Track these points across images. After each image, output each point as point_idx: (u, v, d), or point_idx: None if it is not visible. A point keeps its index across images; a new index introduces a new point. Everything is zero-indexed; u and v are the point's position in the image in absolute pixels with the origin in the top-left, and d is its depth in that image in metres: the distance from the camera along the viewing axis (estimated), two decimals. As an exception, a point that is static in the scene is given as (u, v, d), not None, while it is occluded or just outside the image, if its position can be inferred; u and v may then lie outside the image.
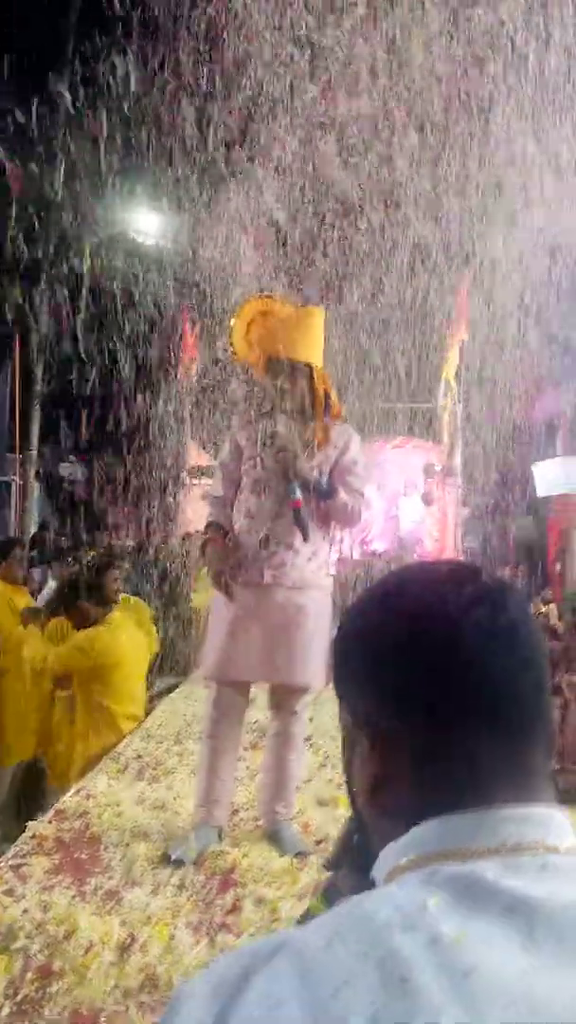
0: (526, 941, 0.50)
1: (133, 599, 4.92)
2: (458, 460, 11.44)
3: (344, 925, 0.53)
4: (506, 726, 0.60)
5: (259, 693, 3.06)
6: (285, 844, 2.64)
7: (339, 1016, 0.47)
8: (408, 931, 0.50)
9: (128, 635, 3.84)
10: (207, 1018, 0.50)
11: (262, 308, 2.86)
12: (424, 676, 0.60)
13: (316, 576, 2.71)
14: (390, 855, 0.60)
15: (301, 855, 2.59)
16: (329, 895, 0.73)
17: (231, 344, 2.92)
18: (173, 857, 2.50)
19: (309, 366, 2.73)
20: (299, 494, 2.61)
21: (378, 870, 0.61)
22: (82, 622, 3.80)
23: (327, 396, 2.77)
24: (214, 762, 2.70)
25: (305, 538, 2.63)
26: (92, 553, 8.04)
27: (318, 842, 2.73)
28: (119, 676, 3.74)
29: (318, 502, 2.66)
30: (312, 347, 2.75)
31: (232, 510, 2.79)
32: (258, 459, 2.73)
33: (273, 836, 2.71)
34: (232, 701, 2.71)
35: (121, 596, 4.83)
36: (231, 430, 2.90)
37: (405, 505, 13.55)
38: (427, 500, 11.64)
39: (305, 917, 0.72)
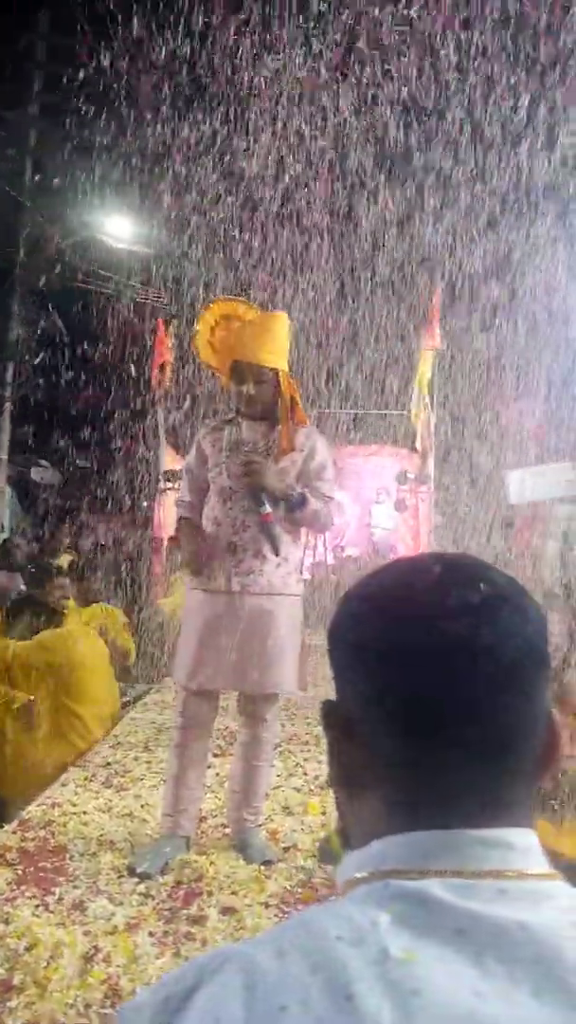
0: (475, 964, 0.49)
1: (105, 606, 4.88)
2: (431, 467, 11.50)
3: (294, 938, 0.52)
4: (480, 746, 0.57)
5: (230, 701, 3.03)
6: (253, 852, 2.62)
7: None
8: (357, 947, 0.50)
9: (88, 643, 3.79)
10: None
11: (226, 311, 2.82)
12: (399, 688, 0.58)
13: (286, 583, 2.68)
14: (351, 864, 0.59)
15: (268, 863, 2.57)
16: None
17: (195, 348, 2.87)
18: (139, 871, 2.45)
19: (275, 371, 2.67)
20: (269, 507, 2.57)
21: (339, 876, 0.61)
22: (38, 631, 3.73)
23: (294, 402, 2.72)
24: (182, 771, 2.66)
25: (276, 552, 2.60)
26: (65, 558, 7.97)
27: (286, 849, 2.72)
28: (79, 681, 3.70)
29: (290, 512, 2.62)
30: (277, 352, 2.69)
31: (200, 516, 2.76)
32: (223, 466, 2.68)
33: (241, 844, 2.68)
34: (201, 709, 2.68)
35: (97, 604, 4.81)
36: (196, 435, 2.84)
37: (378, 512, 13.62)
38: (400, 507, 11.68)
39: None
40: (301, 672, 2.68)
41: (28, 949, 2.05)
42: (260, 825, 2.78)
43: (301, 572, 2.80)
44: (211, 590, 2.65)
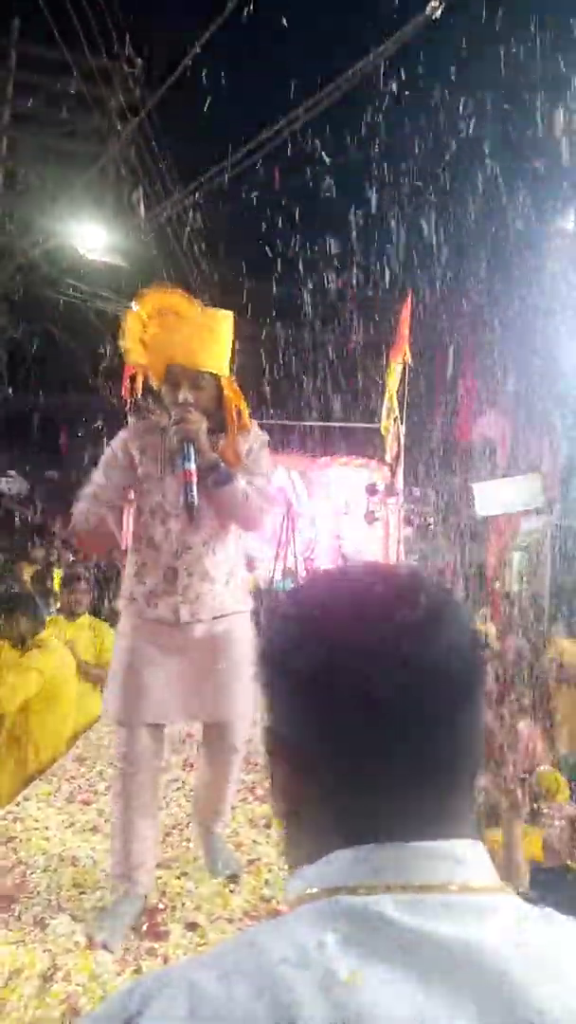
0: (420, 981, 0.50)
1: (93, 619, 4.80)
2: (400, 479, 11.59)
3: (238, 960, 0.52)
4: (430, 760, 0.58)
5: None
6: (219, 864, 2.54)
7: None
8: (302, 969, 0.50)
9: (61, 658, 3.76)
10: None
11: (162, 304, 2.41)
12: (339, 705, 0.57)
13: (235, 600, 2.44)
14: (298, 883, 0.59)
15: (234, 877, 2.52)
16: None
17: (123, 347, 2.42)
18: (98, 941, 2.15)
19: (215, 376, 2.37)
20: (194, 463, 2.27)
21: (288, 892, 0.60)
22: (17, 639, 3.67)
23: (239, 410, 2.42)
24: (129, 823, 2.33)
25: (190, 518, 2.30)
26: (30, 570, 7.88)
27: (251, 862, 2.71)
28: (63, 693, 3.68)
29: (214, 487, 2.31)
30: (219, 354, 2.38)
31: (121, 528, 2.47)
32: (158, 480, 2.38)
33: (207, 854, 2.59)
34: (147, 747, 2.36)
35: (83, 616, 4.73)
36: (121, 434, 2.48)
37: (347, 523, 13.68)
38: (369, 519, 11.75)
39: None
40: None
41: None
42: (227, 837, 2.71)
43: (247, 584, 2.62)
44: (152, 619, 2.37)
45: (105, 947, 2.14)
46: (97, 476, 2.46)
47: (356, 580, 0.64)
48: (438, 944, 0.51)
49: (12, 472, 18.07)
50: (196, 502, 2.27)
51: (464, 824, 0.59)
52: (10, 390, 11.63)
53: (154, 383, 2.44)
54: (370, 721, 0.57)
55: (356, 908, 0.53)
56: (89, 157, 10.58)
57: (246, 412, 2.44)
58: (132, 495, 2.48)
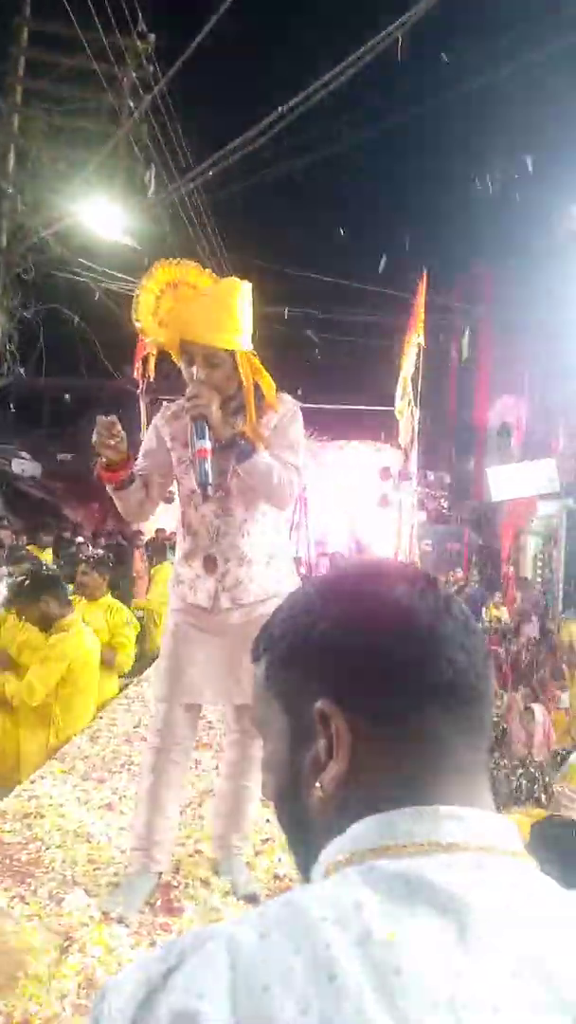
0: (457, 942, 0.50)
1: (112, 602, 4.82)
2: (414, 463, 11.54)
3: (277, 919, 0.52)
4: (459, 729, 0.60)
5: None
6: (237, 885, 2.40)
7: (267, 1011, 0.47)
8: (340, 928, 0.50)
9: (90, 640, 3.78)
10: (131, 1008, 0.50)
11: (174, 277, 2.34)
12: (383, 673, 0.60)
13: (279, 581, 2.37)
14: (331, 850, 0.59)
15: (253, 899, 2.35)
16: None
17: (138, 323, 2.36)
18: (113, 914, 2.18)
19: (231, 352, 2.27)
20: (208, 441, 2.20)
21: (318, 865, 0.60)
22: (38, 623, 3.68)
23: (258, 387, 2.32)
24: (156, 797, 2.35)
25: (204, 497, 2.27)
26: (42, 552, 7.91)
27: (264, 841, 2.71)
28: (85, 678, 3.70)
29: (237, 463, 2.25)
30: (234, 329, 2.26)
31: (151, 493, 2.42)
32: (189, 463, 2.31)
33: (225, 871, 2.47)
34: (181, 725, 2.39)
35: (103, 598, 4.75)
36: (153, 419, 2.46)
37: (360, 507, 13.66)
38: (382, 503, 11.73)
39: None
40: None
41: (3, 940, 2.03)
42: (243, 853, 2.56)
43: (292, 564, 2.55)
44: (193, 604, 2.38)
45: (120, 920, 2.17)
46: (140, 461, 2.44)
47: (377, 563, 0.71)
48: (473, 905, 0.52)
49: (24, 454, 18.12)
50: (209, 480, 2.21)
51: (488, 796, 0.62)
52: (22, 371, 11.61)
53: (174, 358, 2.36)
54: (426, 693, 0.60)
55: (391, 869, 0.54)
56: (102, 136, 10.52)
57: (270, 388, 2.34)
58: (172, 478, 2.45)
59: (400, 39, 5.44)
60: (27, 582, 3.81)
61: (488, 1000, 0.48)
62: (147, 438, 2.46)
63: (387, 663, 0.60)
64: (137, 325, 2.38)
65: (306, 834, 0.64)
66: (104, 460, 2.28)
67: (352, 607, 0.64)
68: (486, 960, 0.49)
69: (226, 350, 2.26)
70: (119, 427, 2.27)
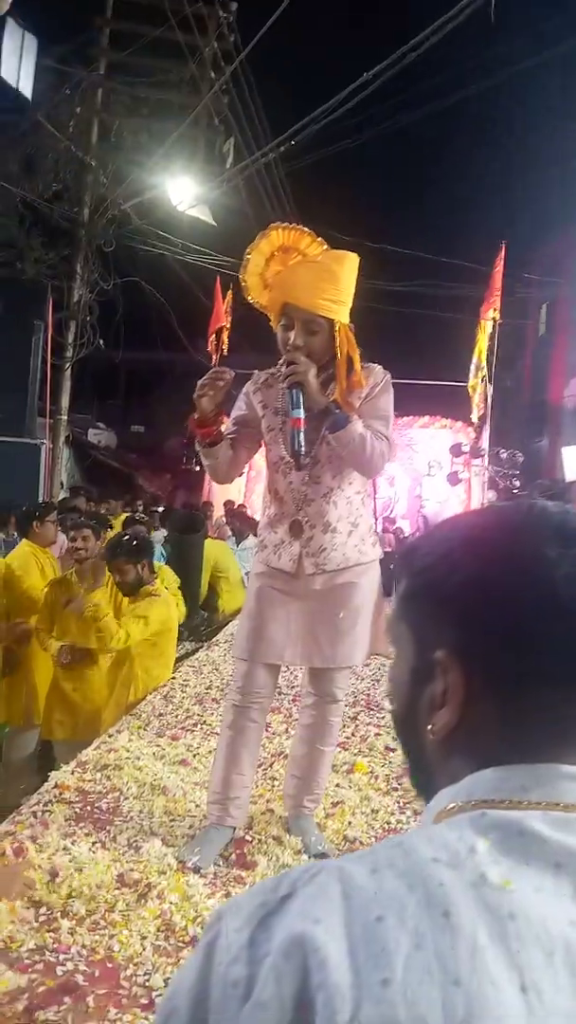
0: (572, 897, 0.50)
1: (164, 567, 4.98)
2: (486, 441, 11.32)
3: (389, 858, 0.53)
4: None
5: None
6: (308, 845, 2.46)
7: (381, 940, 0.48)
8: (454, 869, 0.51)
9: (171, 607, 3.91)
10: (249, 928, 0.51)
11: (286, 242, 2.38)
12: (510, 643, 0.58)
13: (361, 551, 2.42)
14: (443, 798, 0.60)
15: (322, 856, 2.39)
16: None
17: (243, 281, 2.43)
18: (190, 864, 2.28)
19: (330, 320, 2.29)
20: (302, 412, 2.24)
21: (428, 812, 0.61)
22: (127, 586, 3.79)
23: (351, 360, 2.33)
24: (234, 754, 2.44)
25: (297, 466, 2.32)
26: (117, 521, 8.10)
27: (333, 804, 2.76)
28: (166, 642, 3.83)
29: (332, 431, 2.27)
30: (338, 299, 2.29)
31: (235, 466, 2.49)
32: (278, 432, 2.38)
33: (295, 830, 2.53)
34: (262, 685, 2.45)
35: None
36: (245, 388, 2.48)
37: (430, 485, 13.49)
38: (452, 480, 11.56)
39: None
40: (383, 634, 2.44)
41: (84, 882, 2.14)
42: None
43: (374, 532, 2.56)
44: (276, 568, 2.43)
45: (197, 870, 2.25)
46: (230, 426, 2.49)
47: (523, 510, 0.65)
48: None
49: (101, 424, 18.53)
50: (303, 450, 2.25)
51: None
52: (101, 343, 11.84)
53: (272, 322, 2.39)
54: (554, 670, 0.58)
55: (505, 820, 0.54)
56: (183, 107, 10.54)
57: (358, 364, 2.34)
58: (259, 446, 2.51)
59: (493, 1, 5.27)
60: (134, 543, 3.86)
61: None
62: (237, 405, 2.51)
63: (517, 638, 0.58)
64: (243, 284, 2.44)
65: (422, 763, 0.65)
66: (196, 414, 2.34)
67: (491, 570, 0.60)
68: None
69: (326, 318, 2.28)
70: (229, 376, 2.33)
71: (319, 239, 2.39)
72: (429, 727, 0.62)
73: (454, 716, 0.60)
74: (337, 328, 2.30)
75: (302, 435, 2.24)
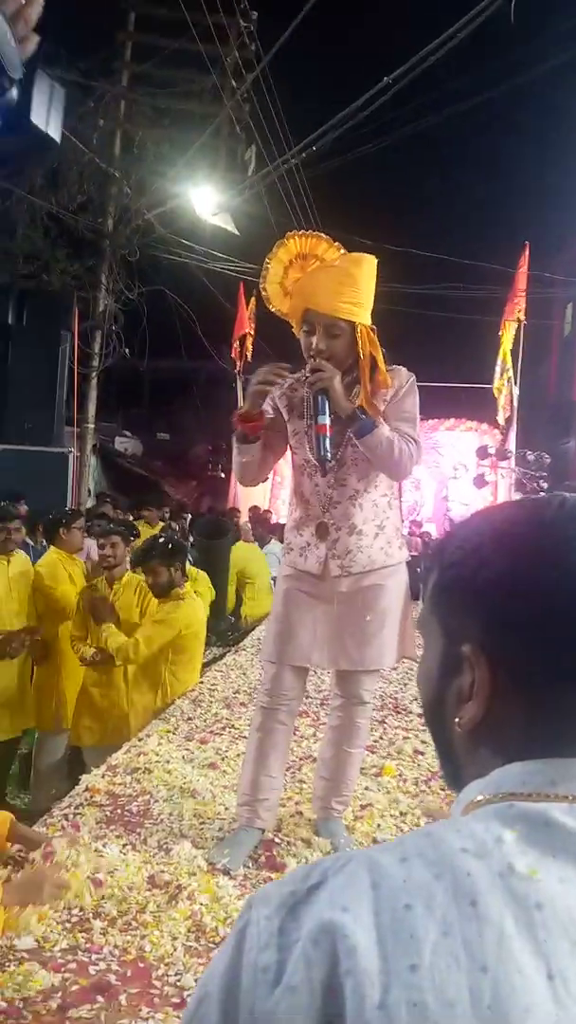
0: None
1: (195, 571, 5.01)
2: (512, 442, 11.24)
3: (417, 847, 0.54)
4: None
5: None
6: (336, 846, 2.47)
7: (409, 928, 0.49)
8: (481, 859, 0.52)
9: (199, 611, 3.94)
10: (279, 916, 0.52)
11: (303, 249, 2.41)
12: (537, 643, 0.59)
13: (388, 553, 2.42)
14: (471, 791, 0.61)
15: None
16: None
17: (264, 291, 2.47)
18: (219, 865, 2.30)
19: (351, 323, 2.31)
20: (328, 419, 2.26)
21: (457, 804, 0.62)
22: (160, 587, 3.82)
23: (375, 361, 2.35)
24: (263, 756, 2.45)
25: (323, 472, 2.35)
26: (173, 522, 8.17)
27: (362, 807, 2.76)
28: (186, 646, 3.86)
29: (359, 437, 2.29)
30: (359, 302, 2.30)
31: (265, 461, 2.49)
32: (303, 436, 2.41)
33: (324, 832, 2.54)
34: (289, 687, 2.46)
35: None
36: (271, 392, 2.48)
37: (456, 488, 13.43)
38: (479, 483, 11.49)
39: None
40: (411, 638, 2.48)
41: (115, 883, 2.16)
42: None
43: (401, 535, 2.56)
44: (303, 570, 2.45)
45: (226, 872, 2.27)
46: None
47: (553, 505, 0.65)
48: None
49: (127, 432, 18.68)
50: (329, 456, 2.27)
51: None
52: (126, 351, 11.95)
53: (295, 329, 2.42)
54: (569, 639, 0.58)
55: (532, 812, 0.55)
56: (204, 117, 10.63)
57: (383, 364, 2.35)
58: (284, 450, 2.53)
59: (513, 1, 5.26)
60: (169, 546, 3.90)
61: None
62: (263, 409, 2.51)
63: (545, 635, 0.58)
64: (263, 293, 2.48)
65: (451, 755, 0.66)
66: (245, 406, 2.38)
67: (520, 566, 0.61)
68: None
69: (347, 321, 2.30)
70: (287, 373, 2.36)
71: (336, 244, 2.42)
72: (456, 719, 0.62)
73: (481, 709, 0.61)
74: (359, 331, 2.32)
75: (328, 441, 2.27)
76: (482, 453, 11.25)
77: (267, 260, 2.45)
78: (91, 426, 12.27)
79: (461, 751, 0.64)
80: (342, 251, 2.41)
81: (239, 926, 0.55)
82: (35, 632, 4.28)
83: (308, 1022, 0.49)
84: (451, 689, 0.64)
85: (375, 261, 2.36)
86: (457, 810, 0.61)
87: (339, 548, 2.39)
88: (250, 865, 2.35)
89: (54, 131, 0.92)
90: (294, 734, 3.38)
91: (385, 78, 6.44)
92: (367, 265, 2.34)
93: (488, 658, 0.60)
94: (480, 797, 0.59)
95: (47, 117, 0.92)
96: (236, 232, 10.96)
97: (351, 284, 2.30)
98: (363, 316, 2.33)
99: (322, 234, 2.44)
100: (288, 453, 2.55)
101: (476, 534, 0.65)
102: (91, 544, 5.04)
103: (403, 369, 2.43)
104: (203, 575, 5.02)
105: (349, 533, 2.39)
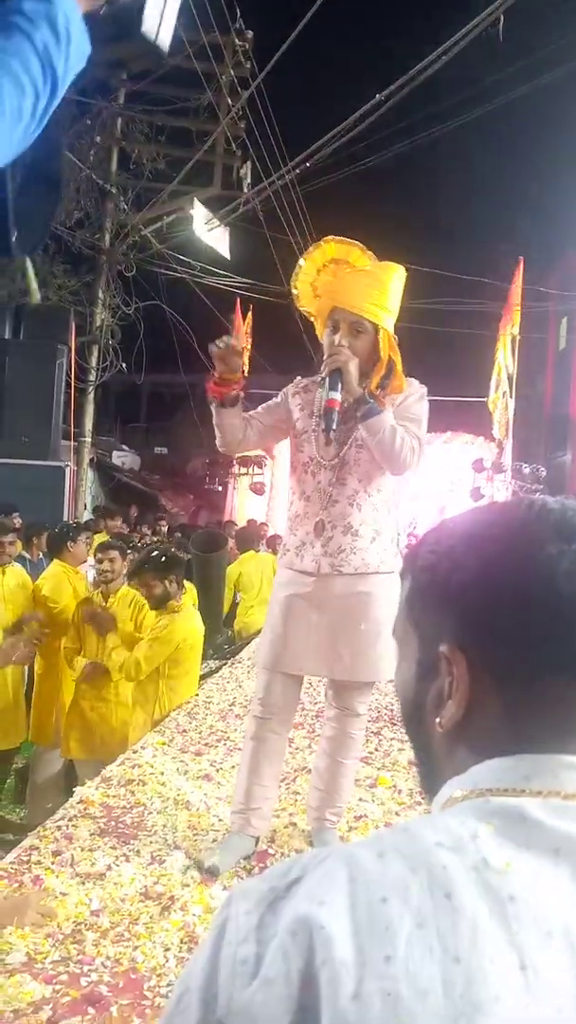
0: (571, 882, 0.52)
1: (190, 585, 5.01)
2: (508, 456, 11.28)
3: (394, 842, 0.55)
4: None
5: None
6: None
7: (384, 920, 0.50)
8: (456, 853, 0.52)
9: (196, 624, 3.94)
10: (258, 911, 0.53)
11: (338, 254, 2.51)
12: (514, 641, 0.59)
13: (382, 559, 2.43)
14: (449, 788, 0.61)
15: None
16: None
17: (295, 289, 2.56)
18: (207, 865, 2.32)
19: (375, 325, 2.38)
20: (339, 393, 2.29)
21: (435, 802, 0.63)
22: (155, 600, 3.82)
23: (392, 365, 2.41)
24: (256, 765, 2.47)
25: (327, 440, 2.37)
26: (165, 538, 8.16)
27: (357, 818, 2.76)
28: (190, 659, 3.86)
29: (364, 419, 2.33)
30: (385, 307, 2.38)
31: (251, 436, 2.54)
32: (312, 436, 2.46)
33: (318, 843, 2.52)
34: (284, 696, 2.47)
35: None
36: (286, 387, 2.58)
37: (452, 500, 13.45)
38: (475, 496, 11.52)
39: None
40: None
41: (109, 894, 2.15)
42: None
43: (398, 544, 2.55)
44: (299, 570, 2.46)
45: (214, 873, 2.29)
46: (258, 410, 2.59)
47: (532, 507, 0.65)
48: None
49: (124, 447, 18.71)
50: (335, 427, 2.30)
51: None
52: (123, 366, 12.00)
53: (317, 327, 2.50)
54: (557, 666, 0.59)
55: (507, 807, 0.56)
56: (200, 134, 10.73)
57: (399, 367, 2.42)
58: (275, 439, 2.62)
59: (501, 19, 5.34)
60: (164, 558, 3.89)
61: None
62: (274, 399, 2.59)
63: (520, 633, 0.59)
64: (293, 291, 2.57)
65: (429, 757, 0.66)
66: (215, 374, 2.42)
67: (493, 567, 0.61)
68: None
69: (371, 322, 2.37)
70: (240, 347, 2.44)
71: (369, 252, 2.50)
72: (437, 720, 0.63)
73: (460, 709, 0.61)
74: (381, 334, 2.39)
75: (335, 414, 2.29)
76: (478, 466, 11.30)
77: (302, 259, 2.55)
78: (88, 440, 12.29)
79: (440, 752, 0.65)
80: (373, 259, 2.49)
81: (219, 921, 0.55)
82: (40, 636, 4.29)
83: (284, 1013, 0.49)
84: (430, 692, 0.64)
85: (404, 272, 2.45)
86: (436, 806, 0.62)
87: (332, 546, 2.41)
88: (244, 877, 2.34)
89: (163, 41, 0.97)
90: (289, 745, 3.38)
91: (377, 95, 6.51)
92: (397, 274, 2.43)
93: (464, 657, 0.61)
94: (457, 793, 0.60)
95: (158, 27, 0.97)
96: (227, 256, 11.05)
97: (380, 288, 2.38)
98: (387, 321, 2.40)
99: (357, 242, 2.52)
100: (288, 453, 2.59)
101: (448, 537, 0.66)
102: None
103: (416, 381, 2.50)
104: (190, 587, 5.02)
105: (344, 532, 2.41)
